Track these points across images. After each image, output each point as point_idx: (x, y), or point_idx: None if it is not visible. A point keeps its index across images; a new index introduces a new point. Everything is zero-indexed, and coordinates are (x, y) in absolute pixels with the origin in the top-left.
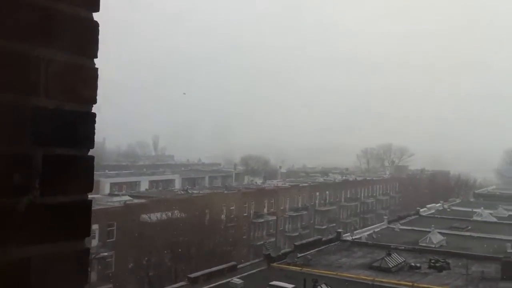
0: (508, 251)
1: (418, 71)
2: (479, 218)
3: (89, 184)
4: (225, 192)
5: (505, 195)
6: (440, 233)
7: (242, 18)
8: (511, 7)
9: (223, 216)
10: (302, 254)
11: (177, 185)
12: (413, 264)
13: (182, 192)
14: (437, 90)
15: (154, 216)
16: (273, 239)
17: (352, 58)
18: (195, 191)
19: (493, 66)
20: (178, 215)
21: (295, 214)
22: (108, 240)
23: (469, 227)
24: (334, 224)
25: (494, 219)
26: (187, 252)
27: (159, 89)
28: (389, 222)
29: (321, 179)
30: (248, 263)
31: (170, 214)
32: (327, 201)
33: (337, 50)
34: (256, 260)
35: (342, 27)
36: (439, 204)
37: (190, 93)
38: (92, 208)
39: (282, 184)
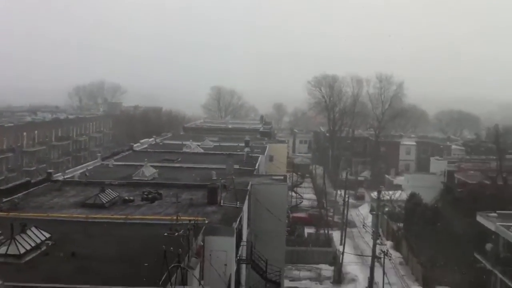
0: (213, 178)
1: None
2: (188, 150)
3: None
4: None
5: (211, 128)
6: (152, 166)
7: None
8: None
9: None
10: (8, 199)
11: None
12: (126, 198)
13: None
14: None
15: None
16: None
17: None
18: None
19: None
20: None
21: None
22: None
23: (180, 159)
24: (44, 165)
25: (202, 150)
26: None
27: None
28: (103, 159)
29: (29, 119)
30: None
31: None
32: (36, 141)
33: None
34: None
35: None
36: (152, 138)
37: None
38: None
39: None
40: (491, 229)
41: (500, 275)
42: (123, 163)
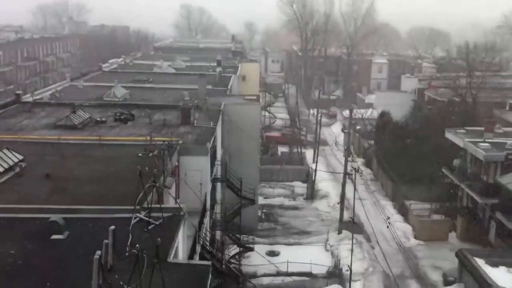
0: (186, 99)
1: None
2: (159, 70)
3: None
4: None
5: (182, 47)
6: (123, 87)
7: None
8: None
9: None
10: None
11: None
12: (99, 119)
13: None
14: None
15: None
16: None
17: None
18: None
19: None
20: None
21: None
22: None
23: (151, 79)
24: (12, 86)
25: (173, 70)
26: None
27: None
28: (72, 80)
29: None
30: None
31: None
32: (2, 62)
33: None
34: None
35: None
36: (121, 59)
37: None
38: None
39: None
40: (459, 145)
41: (466, 189)
42: (93, 83)
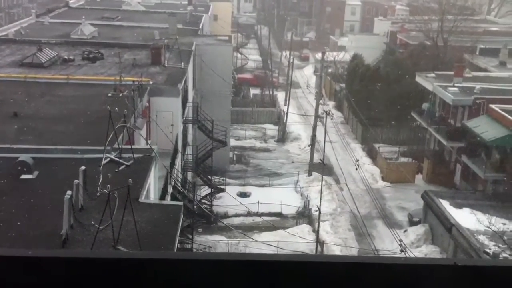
0: (156, 38)
1: None
2: (128, 8)
3: None
4: None
5: None
6: (91, 24)
7: None
8: None
9: None
10: None
11: None
12: (66, 57)
13: None
14: None
15: None
16: None
17: None
18: None
19: None
20: None
21: None
22: None
23: (120, 17)
24: None
25: (143, 8)
26: None
27: None
28: (37, 16)
29: None
30: None
31: None
32: None
33: None
34: None
35: None
36: None
37: None
38: None
39: None
40: (429, 89)
41: (434, 133)
42: (59, 20)
